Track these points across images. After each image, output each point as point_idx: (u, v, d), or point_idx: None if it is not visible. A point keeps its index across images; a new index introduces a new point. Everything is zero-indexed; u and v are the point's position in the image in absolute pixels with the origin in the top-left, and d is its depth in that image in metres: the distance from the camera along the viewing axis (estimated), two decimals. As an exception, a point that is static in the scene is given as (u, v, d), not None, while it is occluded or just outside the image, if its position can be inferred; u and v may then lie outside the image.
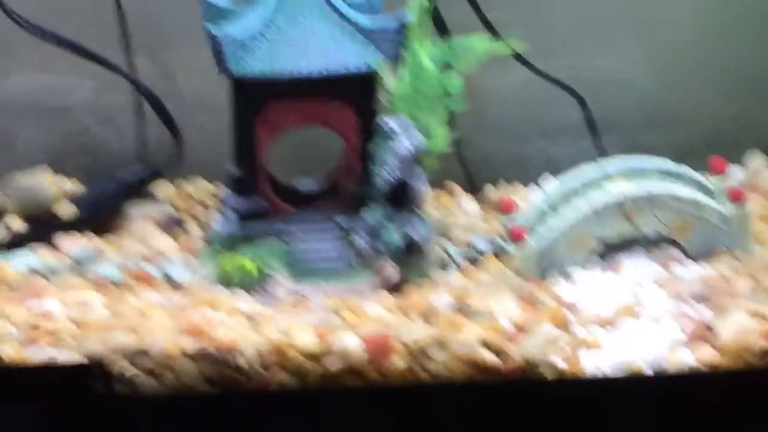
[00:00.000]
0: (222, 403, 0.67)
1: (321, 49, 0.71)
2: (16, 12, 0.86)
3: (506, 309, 0.71)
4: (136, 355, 0.66)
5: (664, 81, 0.98)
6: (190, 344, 0.66)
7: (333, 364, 0.66)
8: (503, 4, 0.90)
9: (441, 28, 0.85)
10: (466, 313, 0.70)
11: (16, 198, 0.83)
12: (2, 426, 0.68)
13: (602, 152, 0.89)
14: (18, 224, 0.83)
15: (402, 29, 0.72)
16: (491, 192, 0.94)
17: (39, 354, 0.66)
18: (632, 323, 0.69)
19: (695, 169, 0.79)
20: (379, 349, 0.66)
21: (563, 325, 0.68)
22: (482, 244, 0.81)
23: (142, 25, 0.94)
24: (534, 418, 0.67)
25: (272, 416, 0.68)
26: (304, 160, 0.85)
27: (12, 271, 0.76)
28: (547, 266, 0.76)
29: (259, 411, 0.68)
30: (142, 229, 0.84)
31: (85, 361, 0.65)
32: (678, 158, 0.78)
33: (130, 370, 0.66)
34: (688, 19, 0.95)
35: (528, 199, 0.85)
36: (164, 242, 0.82)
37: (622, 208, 0.75)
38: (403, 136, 0.72)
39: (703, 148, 0.87)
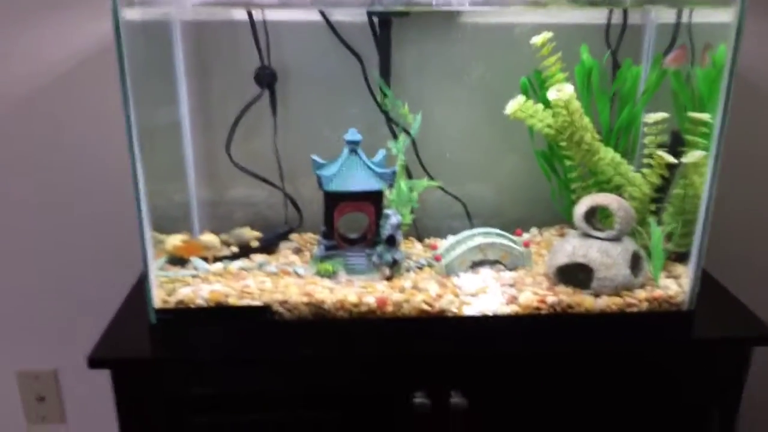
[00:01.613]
0: (317, 325, 1.12)
1: (361, 181, 1.16)
2: (234, 161, 1.29)
3: (432, 288, 1.15)
4: (282, 303, 1.11)
5: (492, 199, 1.41)
6: (305, 299, 1.11)
7: (362, 309, 1.12)
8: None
9: (408, 172, 1.32)
10: (418, 289, 1.15)
11: (234, 238, 1.27)
12: (230, 332, 1.11)
13: (472, 226, 1.31)
14: (234, 250, 1.26)
15: (394, 174, 1.18)
16: (428, 240, 1.35)
17: (244, 302, 1.11)
18: (484, 295, 1.15)
19: (509, 233, 1.26)
20: (381, 302, 1.11)
21: (456, 294, 1.15)
22: (423, 261, 1.24)
23: (288, 169, 1.35)
24: (445, 333, 1.12)
25: (339, 331, 1.12)
26: (354, 225, 1.22)
27: (232, 268, 1.21)
28: (450, 271, 1.20)
29: (333, 329, 1.13)
30: (285, 253, 1.29)
31: (262, 304, 1.11)
32: (502, 228, 1.26)
33: (280, 309, 1.12)
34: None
35: (442, 243, 1.27)
36: (294, 257, 1.27)
37: (480, 247, 1.21)
38: (393, 217, 1.17)
39: (511, 225, 1.29)
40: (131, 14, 1.03)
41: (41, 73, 1.35)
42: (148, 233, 1.08)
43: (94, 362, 1.08)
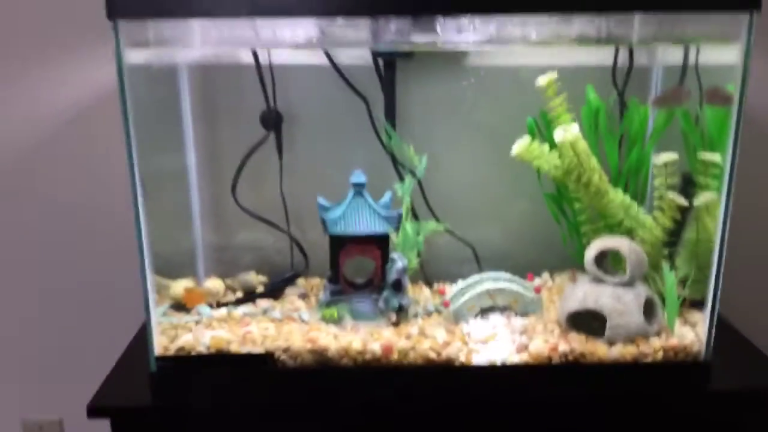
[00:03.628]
0: (321, 373, 1.10)
1: (366, 224, 1.16)
2: (240, 204, 1.30)
3: (440, 335, 1.13)
4: (285, 350, 1.10)
5: (501, 243, 1.39)
6: (308, 346, 1.10)
7: (368, 356, 1.10)
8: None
9: (414, 215, 1.32)
10: (425, 335, 1.14)
11: (239, 283, 1.30)
12: (231, 380, 1.09)
13: (481, 270, 1.28)
14: (239, 295, 1.28)
15: (400, 216, 1.19)
16: (437, 285, 1.34)
17: (246, 349, 1.10)
18: (494, 343, 1.14)
19: (520, 277, 1.25)
20: (387, 350, 1.10)
21: (464, 342, 1.13)
22: (431, 307, 1.24)
23: (295, 212, 1.35)
24: (452, 383, 1.10)
25: (341, 379, 1.11)
26: (361, 269, 1.23)
27: (236, 313, 1.20)
28: (458, 318, 1.19)
29: (337, 377, 1.11)
30: (291, 298, 1.28)
31: (264, 352, 1.10)
32: (513, 272, 1.24)
33: (282, 357, 1.10)
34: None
35: (451, 288, 1.26)
36: (299, 303, 1.26)
37: (489, 293, 1.19)
38: (399, 261, 1.16)
39: (522, 269, 1.29)
40: (136, 58, 1.03)
41: (43, 122, 1.36)
42: (150, 279, 1.06)
43: (94, 411, 1.07)
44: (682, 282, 1.17)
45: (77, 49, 1.31)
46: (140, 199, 1.02)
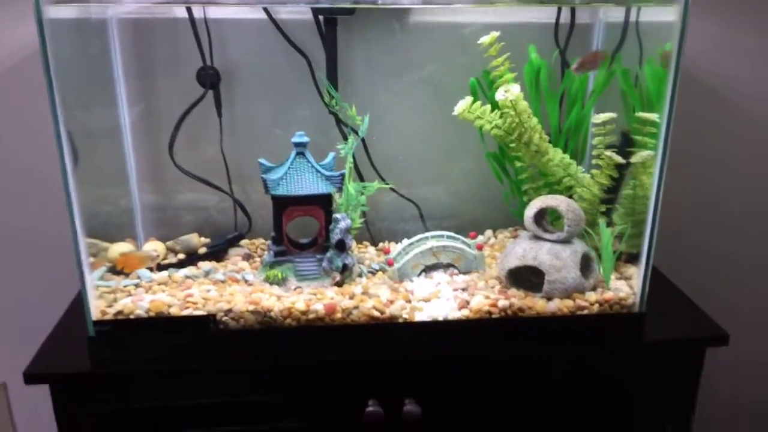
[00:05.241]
0: (264, 334, 1.09)
1: (309, 184, 1.15)
2: (177, 164, 1.26)
3: (384, 293, 1.15)
4: (227, 312, 1.09)
5: (446, 202, 1.40)
6: (251, 307, 1.09)
7: (311, 316, 1.10)
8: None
9: (359, 175, 1.32)
10: (368, 294, 1.15)
11: (181, 245, 1.27)
12: (172, 344, 1.07)
13: (427, 229, 1.32)
14: (181, 257, 1.26)
15: (342, 177, 1.18)
16: (382, 244, 1.35)
17: (187, 312, 1.09)
18: (437, 300, 1.15)
19: (464, 235, 1.27)
20: (330, 309, 1.10)
21: (407, 300, 1.14)
22: (376, 266, 1.25)
23: (236, 172, 1.33)
24: (396, 340, 1.11)
25: (285, 339, 1.10)
26: (306, 229, 1.23)
27: (178, 276, 1.19)
28: (402, 276, 1.20)
29: (281, 338, 1.10)
30: (234, 259, 1.27)
31: (206, 314, 1.09)
32: (458, 231, 1.26)
33: (225, 318, 1.10)
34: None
35: (395, 247, 1.28)
36: (243, 264, 1.25)
37: (433, 251, 1.21)
38: (342, 221, 1.16)
39: (466, 227, 1.31)
40: (61, 12, 0.98)
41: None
42: (83, 242, 1.03)
43: (31, 377, 1.05)
44: (619, 237, 1.20)
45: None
46: (68, 160, 0.99)
